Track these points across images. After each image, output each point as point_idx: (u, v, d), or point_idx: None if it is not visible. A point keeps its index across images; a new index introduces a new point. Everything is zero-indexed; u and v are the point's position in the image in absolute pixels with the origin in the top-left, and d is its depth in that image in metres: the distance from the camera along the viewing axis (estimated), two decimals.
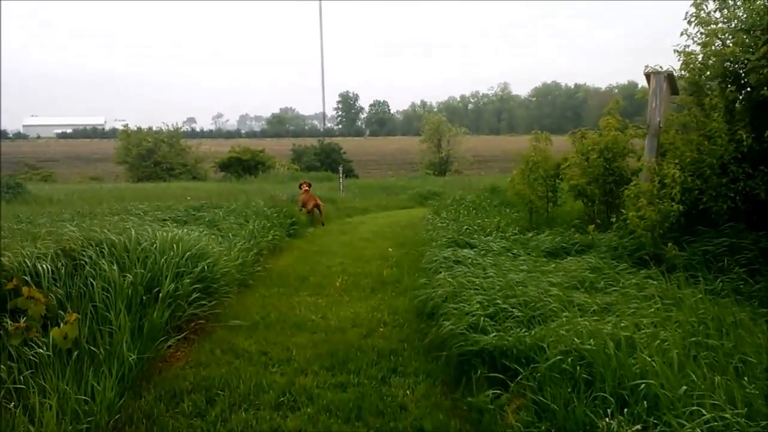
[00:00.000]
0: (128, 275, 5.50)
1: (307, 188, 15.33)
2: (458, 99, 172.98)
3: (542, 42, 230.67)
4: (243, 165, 35.02)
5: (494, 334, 4.79)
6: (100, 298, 5.22)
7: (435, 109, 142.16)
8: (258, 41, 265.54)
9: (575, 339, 4.36)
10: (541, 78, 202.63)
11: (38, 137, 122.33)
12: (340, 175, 22.35)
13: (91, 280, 5.34)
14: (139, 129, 45.28)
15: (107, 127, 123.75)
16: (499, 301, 5.46)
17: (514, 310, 5.32)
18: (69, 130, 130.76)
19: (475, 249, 7.64)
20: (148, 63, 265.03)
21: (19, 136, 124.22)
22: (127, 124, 48.89)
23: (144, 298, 5.52)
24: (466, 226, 9.19)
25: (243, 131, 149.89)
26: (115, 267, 5.55)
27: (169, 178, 38.95)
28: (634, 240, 7.17)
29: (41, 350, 4.44)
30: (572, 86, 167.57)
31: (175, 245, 6.42)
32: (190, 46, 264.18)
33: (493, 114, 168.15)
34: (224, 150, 40.64)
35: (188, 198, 16.96)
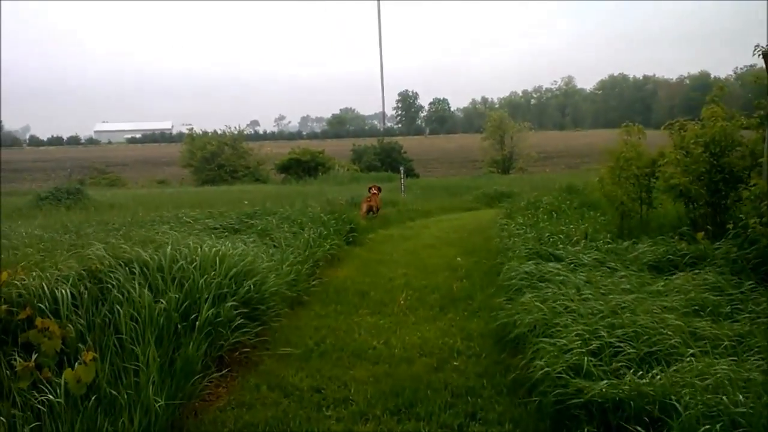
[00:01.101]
0: (161, 300, 4.73)
1: (376, 192, 14.63)
2: (520, 94, 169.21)
3: (608, 32, 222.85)
4: (303, 166, 34.63)
5: (604, 381, 3.75)
6: (128, 328, 4.47)
7: (496, 105, 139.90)
8: (316, 41, 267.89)
9: (719, 394, 3.29)
10: (607, 70, 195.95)
11: (109, 142, 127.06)
12: (401, 176, 21.39)
13: (118, 306, 4.60)
14: (205, 133, 45.84)
15: (174, 132, 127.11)
16: (603, 333, 4.40)
17: (623, 344, 4.27)
18: (138, 135, 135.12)
19: (563, 262, 6.54)
20: (210, 68, 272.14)
21: (90, 141, 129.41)
22: (191, 129, 49.54)
23: (179, 326, 4.75)
24: (547, 234, 8.06)
25: (304, 132, 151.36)
26: (146, 291, 4.80)
27: (232, 180, 39.10)
28: (758, 250, 5.93)
29: (51, 396, 3.70)
30: (640, 78, 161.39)
31: (217, 262, 5.64)
32: (251, 48, 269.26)
33: (556, 109, 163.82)
34: (285, 152, 40.46)
35: (245, 202, 16.45)
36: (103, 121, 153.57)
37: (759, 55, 6.99)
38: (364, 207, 14.42)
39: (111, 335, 4.40)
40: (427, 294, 7.57)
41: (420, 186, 24.28)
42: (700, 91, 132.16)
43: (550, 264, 6.49)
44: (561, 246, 7.35)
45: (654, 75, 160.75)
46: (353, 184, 27.79)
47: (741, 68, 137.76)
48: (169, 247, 5.60)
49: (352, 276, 8.58)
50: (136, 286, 4.83)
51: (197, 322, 4.82)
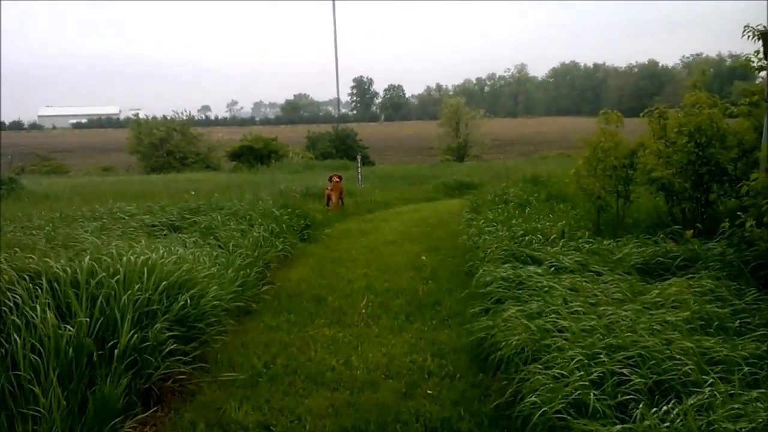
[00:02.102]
0: (68, 326, 3.84)
1: (338, 180, 13.98)
2: (474, 82, 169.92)
3: (559, 20, 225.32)
4: (255, 154, 33.35)
5: (617, 426, 3.08)
6: (26, 363, 3.58)
7: (451, 93, 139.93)
8: (270, 26, 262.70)
9: None
10: (559, 58, 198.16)
11: (53, 128, 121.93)
12: (359, 165, 20.51)
13: (15, 335, 3.70)
14: (154, 118, 43.93)
15: (122, 117, 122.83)
16: (603, 358, 3.74)
17: (626, 371, 3.62)
18: (84, 120, 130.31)
19: (542, 265, 5.87)
20: (161, 51, 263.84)
21: (34, 126, 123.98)
22: (137, 114, 47.56)
23: (94, 356, 3.88)
24: (521, 232, 7.39)
25: (257, 119, 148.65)
26: (52, 313, 3.90)
27: (182, 167, 37.65)
28: (756, 253, 5.40)
29: None
30: (591, 66, 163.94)
31: (146, 272, 4.75)
32: (203, 32, 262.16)
33: (509, 96, 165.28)
34: (237, 138, 39.04)
35: (191, 193, 15.41)
36: (47, 106, 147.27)
37: (750, 37, 6.44)
38: (334, 197, 13.98)
39: (4, 372, 3.52)
40: (391, 299, 6.83)
41: (377, 175, 23.46)
42: (648, 79, 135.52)
43: (529, 267, 5.81)
44: (537, 246, 6.69)
45: (604, 63, 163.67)
46: (308, 172, 26.81)
47: (687, 57, 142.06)
48: (87, 255, 4.67)
49: (307, 278, 7.77)
50: (37, 307, 3.91)
51: (116, 350, 3.95)
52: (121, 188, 19.52)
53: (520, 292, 5.26)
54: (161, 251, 5.49)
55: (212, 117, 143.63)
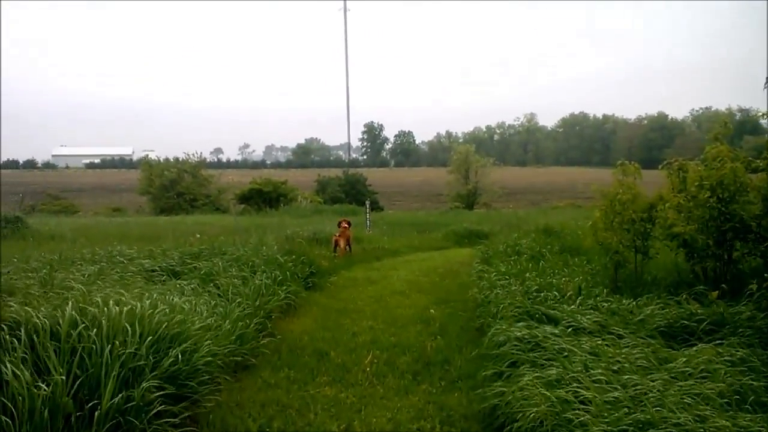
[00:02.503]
0: (42, 386, 3.53)
1: (346, 226, 13.81)
2: (484, 129, 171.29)
3: (567, 73, 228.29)
4: (264, 197, 33.28)
5: None
6: None
7: (461, 140, 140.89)
8: (283, 72, 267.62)
9: None
10: (568, 109, 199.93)
11: (67, 167, 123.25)
12: (367, 210, 20.29)
13: None
14: (166, 159, 44.18)
15: (135, 158, 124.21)
16: None
17: None
18: (97, 160, 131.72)
19: (559, 325, 5.51)
20: (177, 95, 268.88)
21: (47, 165, 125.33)
22: (147, 155, 47.97)
23: (73, 418, 3.56)
24: (535, 287, 7.04)
25: (269, 162, 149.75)
26: (25, 371, 3.59)
27: (192, 209, 37.67)
28: None
29: None
30: (600, 117, 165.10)
31: (136, 323, 4.44)
32: (218, 76, 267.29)
33: (519, 145, 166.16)
34: (248, 180, 39.13)
35: (197, 236, 15.19)
36: (62, 145, 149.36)
37: None
38: (342, 243, 13.82)
39: None
40: (397, 355, 6.46)
41: (386, 221, 23.22)
42: (657, 131, 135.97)
43: (545, 327, 5.45)
44: (552, 303, 6.33)
45: (613, 114, 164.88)
46: (315, 216, 26.65)
47: (696, 110, 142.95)
48: (70, 304, 4.37)
49: (310, 330, 7.42)
50: (9, 362, 3.60)
51: (97, 411, 3.63)
52: (127, 229, 19.34)
53: (536, 354, 4.89)
54: (155, 299, 5.18)
55: (224, 159, 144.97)
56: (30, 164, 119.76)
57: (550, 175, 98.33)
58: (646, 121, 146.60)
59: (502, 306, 6.44)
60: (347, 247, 13.96)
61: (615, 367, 4.42)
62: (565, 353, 4.81)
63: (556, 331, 5.25)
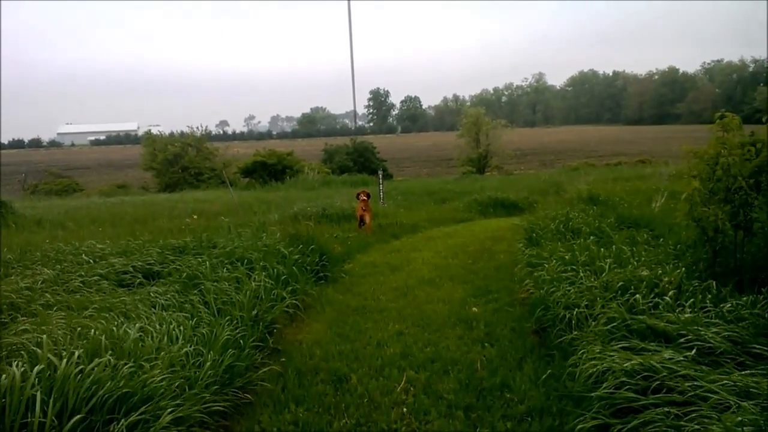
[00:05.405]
0: None
1: (365, 198, 12.26)
2: (491, 91, 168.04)
3: (579, 30, 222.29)
4: (269, 170, 31.55)
5: None
6: None
7: (468, 103, 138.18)
8: (286, 39, 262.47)
9: None
10: (577, 66, 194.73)
11: (72, 145, 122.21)
12: (380, 181, 18.56)
13: None
14: (171, 134, 42.56)
15: (140, 133, 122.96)
16: None
17: None
18: (102, 137, 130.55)
19: (675, 343, 3.89)
20: (180, 67, 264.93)
21: (53, 144, 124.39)
22: (149, 129, 46.37)
23: None
24: (620, 283, 5.31)
25: (275, 132, 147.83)
26: None
27: (197, 183, 36.22)
28: None
29: None
30: (610, 74, 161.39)
31: (54, 391, 2.88)
32: (220, 47, 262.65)
33: (527, 106, 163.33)
34: (253, 152, 37.43)
35: (194, 216, 13.66)
36: (67, 123, 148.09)
37: None
38: (368, 218, 12.47)
39: None
40: (438, 377, 4.91)
41: (400, 191, 21.49)
42: (669, 86, 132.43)
43: (654, 347, 3.83)
44: (644, 302, 4.66)
45: (623, 71, 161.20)
46: (324, 188, 25.01)
47: (708, 63, 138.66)
48: None
49: (323, 339, 5.86)
50: None
51: None
52: (121, 210, 17.81)
53: (656, 396, 3.29)
54: (102, 329, 3.60)
55: (230, 132, 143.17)
56: (35, 143, 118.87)
57: (561, 135, 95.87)
58: (657, 77, 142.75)
59: (578, 311, 4.81)
60: (363, 222, 12.43)
61: None
62: (703, 394, 3.22)
63: (679, 357, 3.62)
